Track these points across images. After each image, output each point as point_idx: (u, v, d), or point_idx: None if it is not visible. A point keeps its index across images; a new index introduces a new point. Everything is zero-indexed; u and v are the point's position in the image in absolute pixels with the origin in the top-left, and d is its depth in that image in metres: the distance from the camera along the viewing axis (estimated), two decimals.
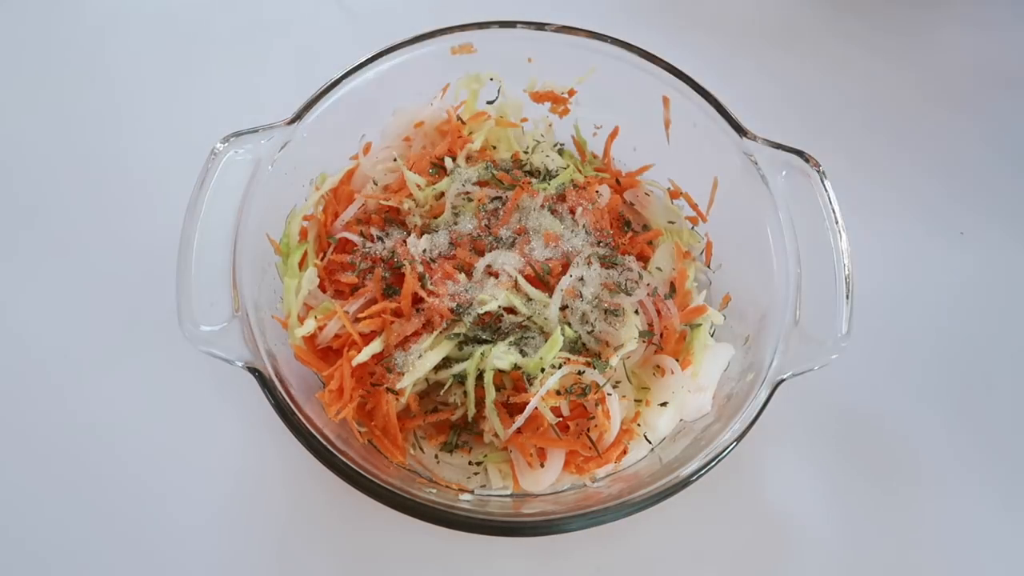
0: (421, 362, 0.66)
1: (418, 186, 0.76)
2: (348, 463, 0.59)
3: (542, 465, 0.66)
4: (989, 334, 0.82)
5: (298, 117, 0.70)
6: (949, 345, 0.81)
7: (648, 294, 0.71)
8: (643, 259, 0.78)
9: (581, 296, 0.69)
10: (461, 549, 0.70)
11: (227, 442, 0.76)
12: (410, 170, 0.76)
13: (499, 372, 0.66)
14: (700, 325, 0.72)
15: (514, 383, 0.67)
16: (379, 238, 0.74)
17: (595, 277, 0.70)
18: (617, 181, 0.83)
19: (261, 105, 0.77)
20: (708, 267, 0.79)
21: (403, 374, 0.66)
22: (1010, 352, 0.81)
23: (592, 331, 0.69)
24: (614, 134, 0.83)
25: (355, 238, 0.73)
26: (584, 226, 0.74)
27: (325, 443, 0.60)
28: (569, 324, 0.69)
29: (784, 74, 0.96)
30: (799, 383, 0.63)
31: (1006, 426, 0.78)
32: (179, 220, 0.64)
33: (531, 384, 0.66)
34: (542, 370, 0.65)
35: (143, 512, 0.72)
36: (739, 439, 0.61)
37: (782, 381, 0.62)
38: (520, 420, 0.64)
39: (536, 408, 0.64)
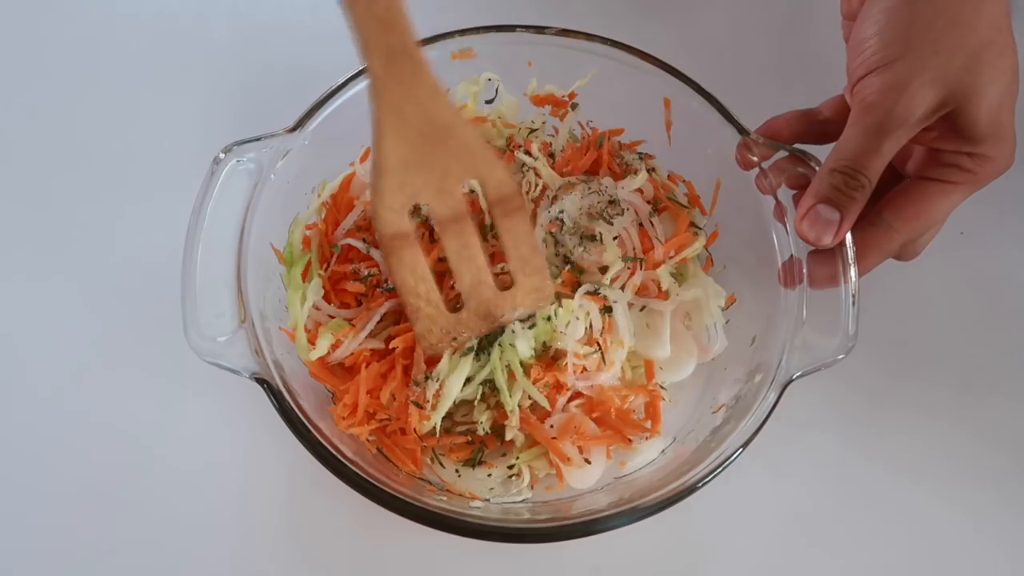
0: (447, 389, 0.65)
1: None
2: (359, 472, 0.59)
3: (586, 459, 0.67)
4: (989, 334, 0.82)
5: (300, 124, 0.70)
6: (949, 345, 0.81)
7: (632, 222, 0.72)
8: None
9: (562, 225, 0.70)
10: (455, 547, 0.68)
11: (227, 449, 0.75)
12: None
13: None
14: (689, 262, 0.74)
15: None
16: None
17: (575, 203, 0.71)
18: None
19: (261, 112, 0.76)
20: (712, 266, 0.79)
21: (434, 408, 0.65)
22: (1011, 352, 0.81)
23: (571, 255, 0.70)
24: (614, 135, 0.82)
25: (360, 244, 0.72)
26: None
27: (334, 452, 0.60)
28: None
29: (785, 74, 0.96)
30: (800, 383, 0.63)
31: (1007, 426, 0.78)
32: (181, 231, 0.64)
33: (557, 361, 0.67)
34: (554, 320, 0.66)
35: (144, 521, 0.72)
36: (748, 441, 0.61)
37: (791, 381, 0.63)
38: (564, 399, 0.67)
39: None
